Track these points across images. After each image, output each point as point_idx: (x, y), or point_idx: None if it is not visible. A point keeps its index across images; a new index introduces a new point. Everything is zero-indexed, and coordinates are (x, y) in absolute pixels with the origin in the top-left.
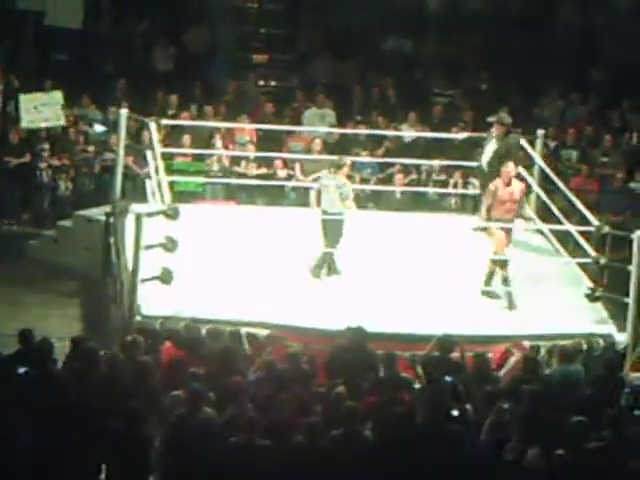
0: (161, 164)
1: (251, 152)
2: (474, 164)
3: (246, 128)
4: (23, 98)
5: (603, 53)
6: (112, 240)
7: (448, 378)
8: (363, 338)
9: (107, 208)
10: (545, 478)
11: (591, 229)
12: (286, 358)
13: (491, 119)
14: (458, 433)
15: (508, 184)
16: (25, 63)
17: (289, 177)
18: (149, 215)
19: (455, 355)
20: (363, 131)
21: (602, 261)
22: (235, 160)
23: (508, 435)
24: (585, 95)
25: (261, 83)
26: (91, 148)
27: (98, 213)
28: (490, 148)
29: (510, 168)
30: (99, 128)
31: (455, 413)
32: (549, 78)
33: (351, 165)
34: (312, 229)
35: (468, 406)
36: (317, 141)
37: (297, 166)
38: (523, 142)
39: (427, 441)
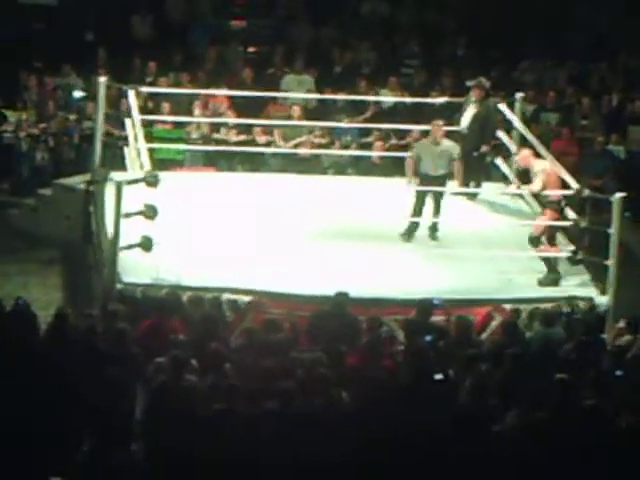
0: (140, 131)
1: (230, 119)
2: (454, 129)
3: (222, 96)
4: None
5: (580, 16)
6: (92, 208)
7: (427, 337)
8: (345, 303)
9: (87, 176)
10: (527, 441)
11: (571, 192)
12: (264, 325)
13: (470, 83)
14: (441, 397)
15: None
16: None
17: (269, 143)
18: (129, 183)
19: (440, 319)
20: (342, 97)
21: (583, 224)
22: (215, 127)
23: (487, 397)
24: (563, 58)
25: (240, 49)
26: (71, 117)
27: (78, 182)
28: (469, 112)
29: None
30: (78, 94)
31: (439, 377)
32: (527, 42)
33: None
34: (293, 195)
35: (450, 370)
36: (295, 107)
37: (276, 132)
38: (502, 106)
39: (409, 404)
